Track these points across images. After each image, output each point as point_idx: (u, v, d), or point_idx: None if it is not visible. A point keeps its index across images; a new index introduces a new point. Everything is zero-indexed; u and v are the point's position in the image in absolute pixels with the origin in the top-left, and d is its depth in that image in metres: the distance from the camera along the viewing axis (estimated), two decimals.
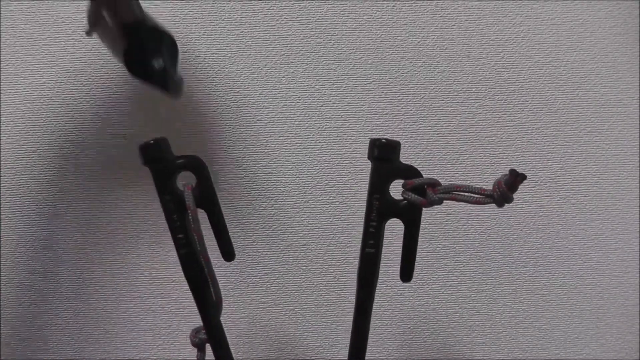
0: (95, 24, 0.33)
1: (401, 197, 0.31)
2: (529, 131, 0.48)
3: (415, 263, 0.32)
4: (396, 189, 0.32)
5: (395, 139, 0.31)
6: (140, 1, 0.45)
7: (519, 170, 0.29)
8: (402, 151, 0.48)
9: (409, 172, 0.31)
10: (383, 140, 0.31)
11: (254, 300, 0.48)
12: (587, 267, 0.49)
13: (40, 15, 0.45)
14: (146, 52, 0.35)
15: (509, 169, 0.28)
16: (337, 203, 0.48)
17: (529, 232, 0.49)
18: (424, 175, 0.31)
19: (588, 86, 0.48)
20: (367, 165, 0.48)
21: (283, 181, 0.47)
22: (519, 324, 0.50)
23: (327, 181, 0.48)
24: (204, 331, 0.34)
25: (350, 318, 0.49)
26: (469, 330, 0.49)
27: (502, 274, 0.49)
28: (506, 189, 0.28)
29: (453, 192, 0.30)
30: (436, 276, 0.49)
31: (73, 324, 0.48)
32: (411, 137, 0.47)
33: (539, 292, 0.49)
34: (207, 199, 0.32)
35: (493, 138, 0.48)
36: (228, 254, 0.33)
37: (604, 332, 0.50)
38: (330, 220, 0.48)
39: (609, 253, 0.49)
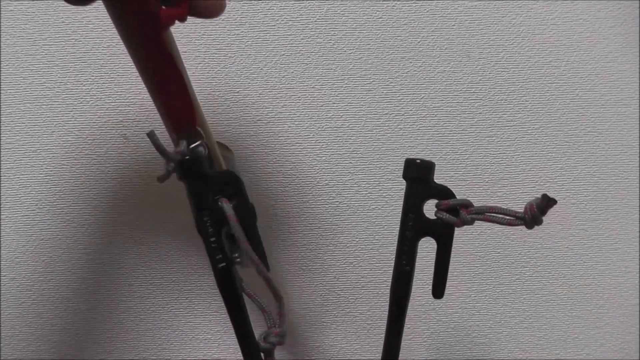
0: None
1: (435, 217, 0.32)
2: (529, 131, 0.48)
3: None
4: (428, 209, 0.33)
5: (430, 159, 0.32)
6: None
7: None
8: (402, 152, 0.48)
9: (443, 193, 0.32)
10: (418, 161, 0.32)
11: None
12: (587, 267, 0.49)
13: (40, 15, 0.45)
14: None
15: (541, 193, 0.29)
16: (337, 203, 0.48)
17: (528, 232, 0.48)
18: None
19: (588, 86, 0.48)
20: (367, 166, 0.48)
21: (283, 181, 0.47)
22: (519, 324, 0.50)
23: (327, 181, 0.48)
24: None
25: (349, 318, 0.49)
26: (469, 330, 0.49)
27: (502, 274, 0.49)
28: (537, 212, 0.30)
29: (485, 213, 0.31)
30: None
31: (73, 324, 0.48)
32: (411, 137, 0.47)
33: (539, 292, 0.49)
34: (243, 215, 0.32)
35: (493, 138, 0.48)
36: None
37: (604, 332, 0.50)
38: (330, 220, 0.48)
39: (609, 253, 0.49)
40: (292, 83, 0.47)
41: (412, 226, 0.32)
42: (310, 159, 0.47)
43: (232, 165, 0.39)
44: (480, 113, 0.48)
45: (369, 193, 0.48)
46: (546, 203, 0.29)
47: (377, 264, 0.48)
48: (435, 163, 0.32)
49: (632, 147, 0.48)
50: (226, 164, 0.36)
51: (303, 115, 0.47)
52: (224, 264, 0.32)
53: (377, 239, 0.48)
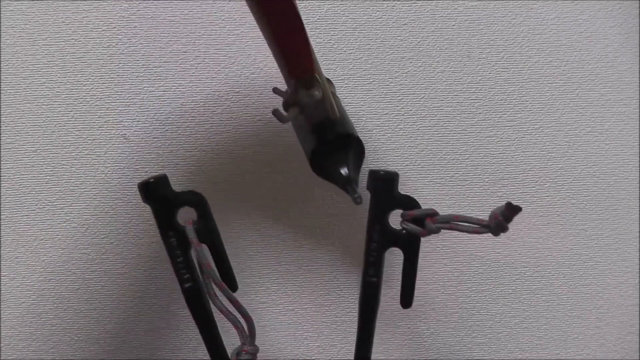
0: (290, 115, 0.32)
1: (400, 227, 0.32)
2: (529, 131, 0.48)
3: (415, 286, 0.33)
4: (395, 218, 0.33)
5: (393, 170, 0.32)
6: (139, 1, 0.46)
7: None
8: (402, 152, 0.48)
9: (408, 203, 0.32)
10: (382, 172, 0.32)
11: (254, 300, 0.48)
12: (587, 267, 0.49)
13: (40, 15, 0.45)
14: (332, 158, 0.35)
15: (505, 202, 0.29)
16: (337, 203, 0.48)
17: (529, 232, 0.49)
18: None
19: (588, 86, 0.48)
20: (367, 165, 0.48)
21: (283, 181, 0.47)
22: (519, 324, 0.50)
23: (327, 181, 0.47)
24: None
25: (349, 318, 0.49)
26: (469, 330, 0.49)
27: (502, 274, 0.49)
28: (502, 220, 0.30)
29: (451, 222, 0.31)
30: (436, 276, 0.49)
31: (73, 324, 0.48)
32: (411, 137, 0.48)
33: (539, 292, 0.49)
34: (209, 234, 0.32)
35: (493, 138, 0.48)
36: (231, 286, 0.34)
37: (604, 332, 0.50)
38: (330, 220, 0.48)
39: (609, 253, 0.49)
40: None
41: (378, 237, 0.32)
42: None
43: (338, 102, 0.39)
44: (480, 113, 0.48)
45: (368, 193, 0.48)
46: (510, 212, 0.29)
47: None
48: (399, 173, 0.33)
49: (632, 147, 0.48)
50: (336, 101, 0.37)
51: None
52: (190, 283, 0.32)
53: None
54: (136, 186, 0.33)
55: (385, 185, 0.32)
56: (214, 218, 0.33)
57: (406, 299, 0.34)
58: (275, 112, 0.30)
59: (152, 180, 0.32)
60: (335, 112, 0.36)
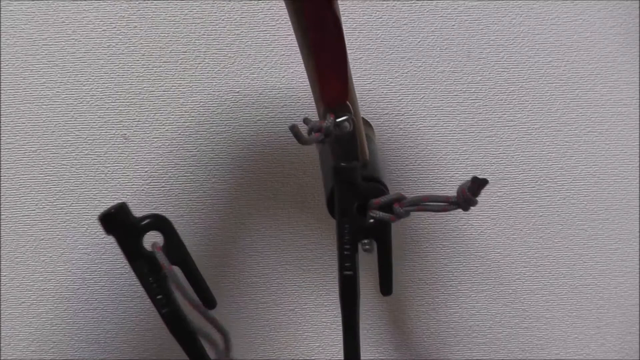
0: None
1: (369, 217, 0.32)
2: (529, 131, 0.48)
3: (394, 274, 0.33)
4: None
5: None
6: (139, 1, 0.46)
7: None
8: (402, 152, 0.48)
9: (374, 191, 0.32)
10: (342, 165, 0.32)
11: (253, 300, 0.48)
12: (587, 267, 0.49)
13: (40, 15, 0.45)
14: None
15: (471, 176, 0.29)
16: None
17: (529, 232, 0.49)
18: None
19: (588, 86, 0.48)
20: None
21: (283, 181, 0.47)
22: (519, 324, 0.50)
23: None
24: None
25: None
26: (469, 330, 0.49)
27: (502, 274, 0.49)
28: (470, 195, 0.29)
29: (420, 204, 0.31)
30: (436, 276, 0.49)
31: (73, 324, 0.48)
32: (411, 137, 0.47)
33: (539, 292, 0.49)
34: (178, 254, 0.32)
35: (493, 138, 0.48)
36: (209, 302, 0.33)
37: (604, 332, 0.50)
38: (330, 220, 0.48)
39: (609, 253, 0.49)
40: (292, 83, 0.47)
41: (348, 230, 0.32)
42: (310, 158, 0.47)
43: (372, 146, 0.38)
44: (480, 113, 0.48)
45: None
46: (476, 185, 0.29)
47: (376, 264, 0.48)
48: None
49: (632, 147, 0.48)
50: (368, 143, 0.36)
51: (303, 115, 0.47)
52: (167, 308, 0.32)
53: None
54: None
55: (346, 176, 0.31)
56: (180, 237, 0.32)
57: (386, 286, 0.33)
58: (293, 128, 0.28)
59: (112, 210, 0.31)
60: (365, 153, 0.35)
